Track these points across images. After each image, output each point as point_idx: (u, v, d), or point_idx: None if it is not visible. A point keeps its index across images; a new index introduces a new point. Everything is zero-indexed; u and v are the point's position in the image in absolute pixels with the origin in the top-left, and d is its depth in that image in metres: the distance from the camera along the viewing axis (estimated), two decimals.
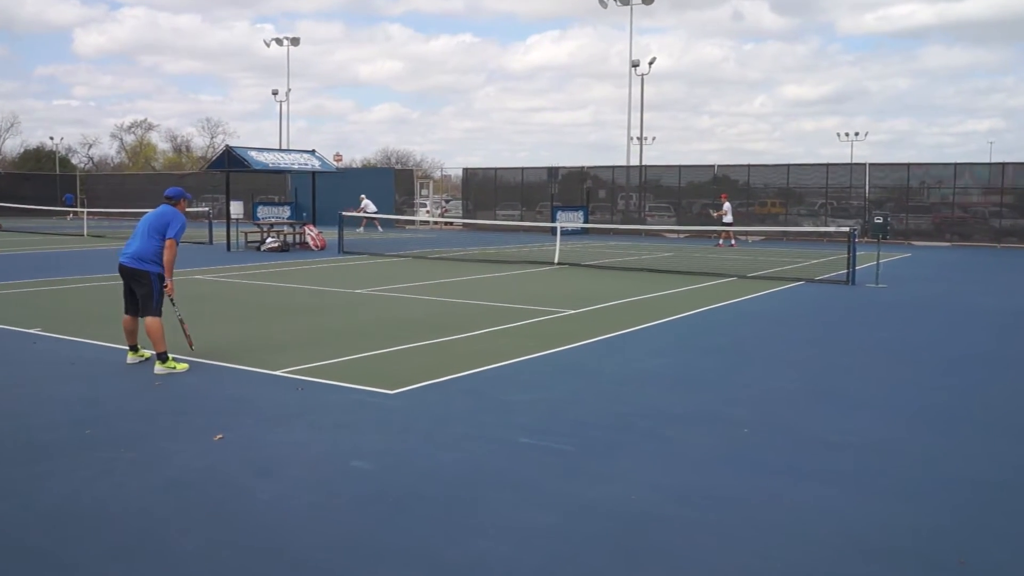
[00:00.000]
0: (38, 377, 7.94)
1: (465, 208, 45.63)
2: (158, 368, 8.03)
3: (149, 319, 8.15)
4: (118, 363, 8.48)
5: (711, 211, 30.31)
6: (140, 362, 8.40)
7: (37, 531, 4.41)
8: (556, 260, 21.00)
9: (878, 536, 4.46)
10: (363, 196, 37.43)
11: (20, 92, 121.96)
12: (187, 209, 8.77)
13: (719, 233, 29.59)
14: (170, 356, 8.12)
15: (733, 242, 29.56)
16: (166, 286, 8.24)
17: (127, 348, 8.50)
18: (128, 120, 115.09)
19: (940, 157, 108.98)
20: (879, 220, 17.48)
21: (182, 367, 8.10)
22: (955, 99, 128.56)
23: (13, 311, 11.74)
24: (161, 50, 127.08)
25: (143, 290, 8.20)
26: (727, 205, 29.85)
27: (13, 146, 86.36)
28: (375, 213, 35.35)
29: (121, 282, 8.43)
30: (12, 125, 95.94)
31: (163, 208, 8.41)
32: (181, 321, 8.59)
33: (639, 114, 51.54)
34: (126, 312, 8.45)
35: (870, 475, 5.42)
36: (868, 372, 8.68)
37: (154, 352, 8.15)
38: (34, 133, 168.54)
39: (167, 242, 8.19)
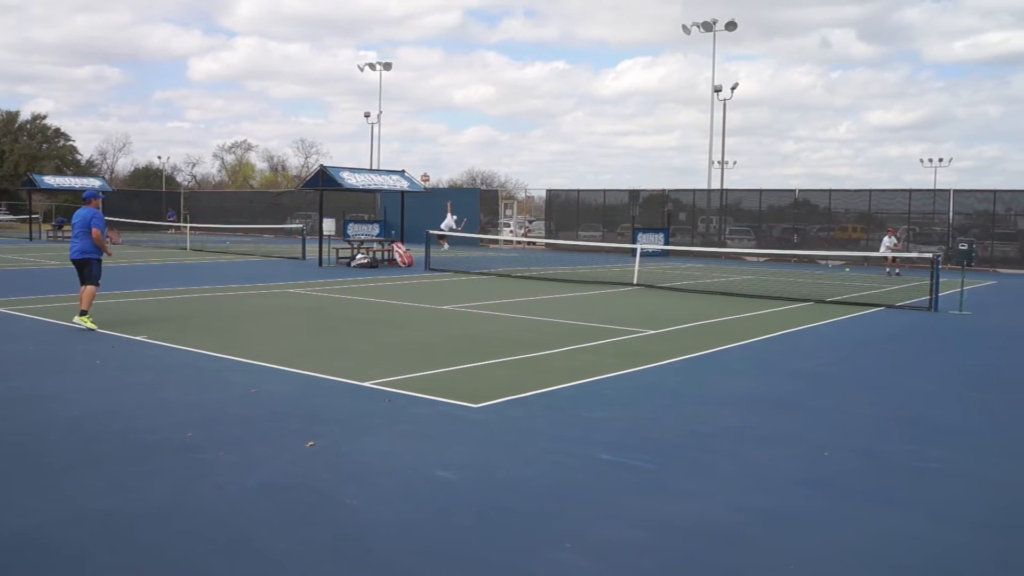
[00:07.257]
0: (143, 382, 8.36)
1: (548, 228, 45.89)
2: (77, 320, 11.33)
3: (92, 287, 11.62)
4: (217, 369, 8.88)
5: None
6: (85, 329, 11.16)
7: (147, 526, 4.68)
8: (635, 281, 21.03)
9: (962, 565, 4.43)
10: (449, 203, 37.96)
11: (140, 115, 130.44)
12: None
13: (890, 260, 28.71)
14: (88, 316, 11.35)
15: (889, 271, 28.74)
16: (108, 247, 11.96)
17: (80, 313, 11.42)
18: (230, 141, 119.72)
19: None
20: (963, 246, 17.05)
21: (91, 325, 11.21)
22: None
23: (120, 319, 12.31)
24: (269, 76, 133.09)
25: (88, 269, 11.66)
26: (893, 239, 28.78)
27: (124, 165, 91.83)
28: (451, 230, 35.81)
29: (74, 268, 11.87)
30: (124, 145, 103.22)
31: (84, 211, 11.71)
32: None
33: (721, 139, 51.17)
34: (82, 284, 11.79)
35: (954, 503, 5.35)
36: (951, 399, 8.52)
37: (82, 310, 11.41)
38: (147, 153, 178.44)
39: (95, 232, 11.61)
